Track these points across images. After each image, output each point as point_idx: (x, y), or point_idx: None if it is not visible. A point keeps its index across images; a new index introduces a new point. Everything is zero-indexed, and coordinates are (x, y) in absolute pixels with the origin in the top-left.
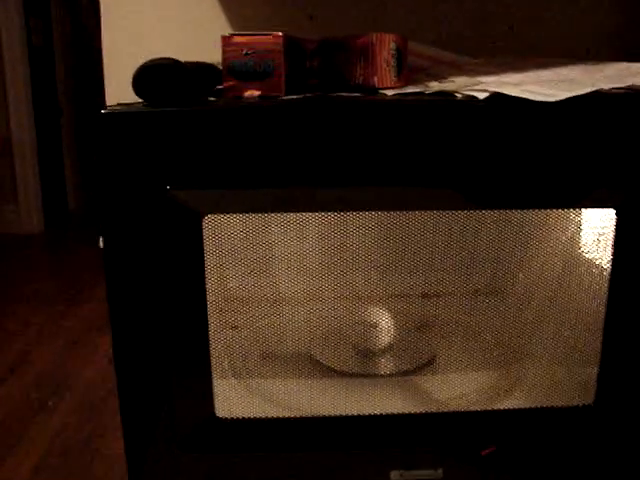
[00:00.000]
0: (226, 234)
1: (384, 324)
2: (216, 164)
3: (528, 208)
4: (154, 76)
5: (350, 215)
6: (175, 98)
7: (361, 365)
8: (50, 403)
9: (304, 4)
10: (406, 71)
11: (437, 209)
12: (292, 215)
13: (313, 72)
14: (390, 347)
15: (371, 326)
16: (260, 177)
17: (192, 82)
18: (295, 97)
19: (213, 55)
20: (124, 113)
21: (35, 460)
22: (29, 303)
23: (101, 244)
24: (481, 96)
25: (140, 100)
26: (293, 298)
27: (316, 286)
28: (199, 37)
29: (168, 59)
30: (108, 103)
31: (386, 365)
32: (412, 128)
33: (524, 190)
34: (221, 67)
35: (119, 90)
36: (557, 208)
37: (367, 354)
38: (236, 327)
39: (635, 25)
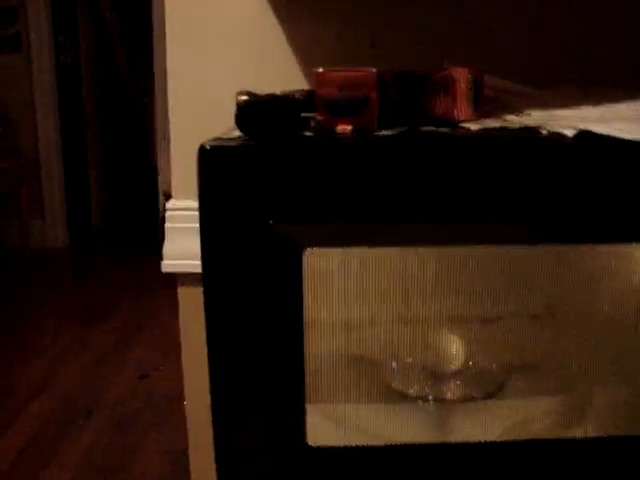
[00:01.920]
0: (321, 266)
1: (453, 349)
2: (316, 198)
3: (608, 242)
4: (259, 111)
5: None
6: (276, 133)
7: (434, 391)
8: (80, 422)
9: (366, 32)
10: (482, 103)
11: (518, 244)
12: (378, 250)
13: (389, 103)
14: (460, 372)
15: (441, 351)
16: (357, 212)
17: (290, 116)
18: (389, 133)
19: (278, 85)
20: (226, 148)
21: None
22: (56, 319)
23: (163, 268)
24: (570, 133)
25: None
26: (363, 325)
27: (385, 313)
28: (264, 68)
29: (270, 95)
30: (173, 137)
31: (456, 391)
32: (503, 163)
33: (604, 224)
34: (297, 96)
35: (184, 122)
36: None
37: (439, 379)
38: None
39: None
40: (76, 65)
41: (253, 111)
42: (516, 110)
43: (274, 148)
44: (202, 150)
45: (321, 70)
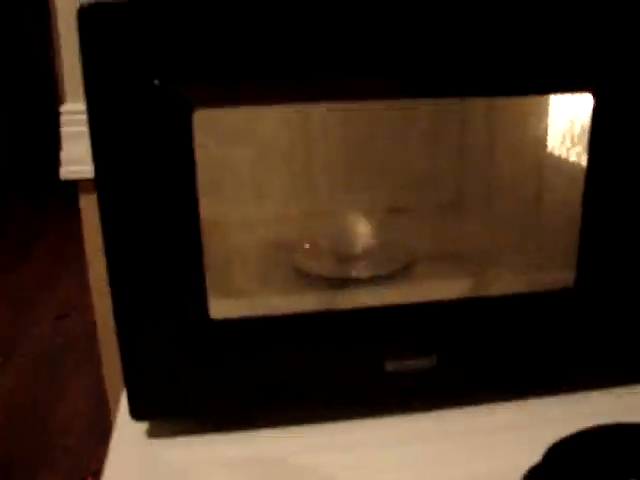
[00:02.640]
0: (215, 130)
1: (360, 231)
2: (204, 56)
3: (496, 95)
4: None
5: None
6: None
7: (341, 270)
8: (0, 359)
9: None
10: None
11: (417, 98)
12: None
13: None
14: (368, 254)
15: (346, 232)
16: (248, 69)
17: None
18: None
19: None
20: (109, 5)
21: None
22: None
23: (62, 175)
24: None
25: None
26: (262, 216)
27: (285, 204)
28: None
29: None
30: (64, 36)
31: (366, 270)
32: (402, 17)
33: (491, 76)
34: None
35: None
36: (529, 94)
37: (347, 259)
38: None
39: None
40: None
41: None
42: None
43: (159, 3)
44: (81, 10)
45: None
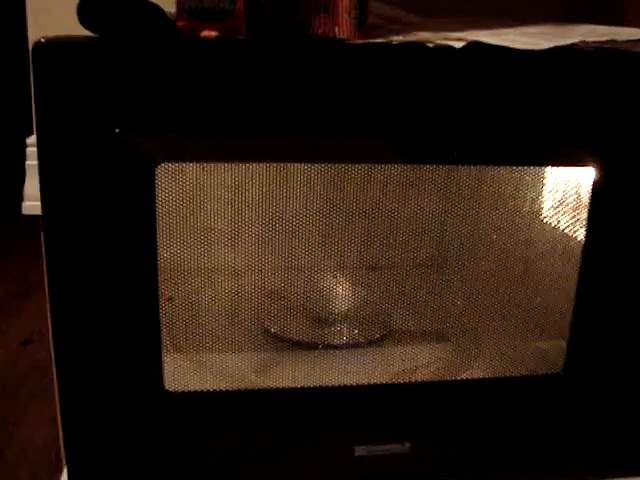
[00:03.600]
0: (179, 188)
1: (337, 292)
2: (172, 107)
3: (500, 164)
4: (105, 3)
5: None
6: (127, 30)
7: (315, 335)
8: None
9: None
10: (367, 25)
11: (404, 163)
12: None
13: (265, 21)
14: (343, 317)
15: (324, 294)
16: (217, 123)
17: (147, 14)
18: (257, 38)
19: None
20: (67, 43)
21: None
22: None
23: (24, 210)
24: (457, 45)
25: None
26: (234, 268)
27: (259, 257)
28: None
29: None
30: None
31: (341, 336)
32: (385, 74)
33: (496, 146)
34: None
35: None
36: (531, 165)
37: (321, 323)
38: (171, 299)
39: None
40: None
41: (98, 2)
42: (404, 34)
43: (124, 45)
44: (37, 46)
45: None
